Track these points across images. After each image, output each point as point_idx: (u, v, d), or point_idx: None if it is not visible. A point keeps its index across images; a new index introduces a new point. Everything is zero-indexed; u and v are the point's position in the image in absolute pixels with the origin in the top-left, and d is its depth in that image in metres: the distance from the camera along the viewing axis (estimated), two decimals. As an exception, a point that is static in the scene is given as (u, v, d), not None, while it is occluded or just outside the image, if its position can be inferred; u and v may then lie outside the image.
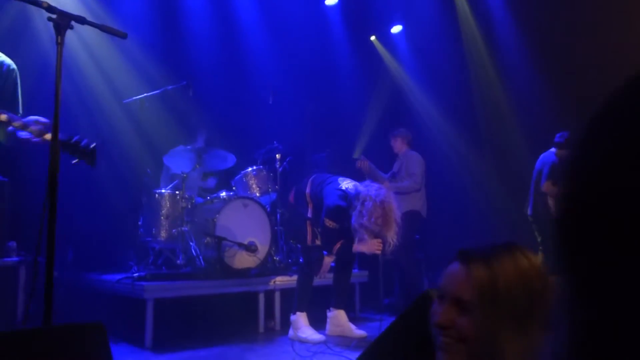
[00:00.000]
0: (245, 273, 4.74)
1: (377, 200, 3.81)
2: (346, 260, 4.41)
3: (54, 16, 1.93)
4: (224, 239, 4.57)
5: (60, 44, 1.90)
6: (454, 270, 1.10)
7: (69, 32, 1.97)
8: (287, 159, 5.53)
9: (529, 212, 5.70)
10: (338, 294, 4.44)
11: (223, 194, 5.18)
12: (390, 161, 5.93)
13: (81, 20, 2.00)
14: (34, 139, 2.27)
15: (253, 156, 5.61)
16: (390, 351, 1.89)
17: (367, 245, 4.00)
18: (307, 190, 4.40)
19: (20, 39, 4.84)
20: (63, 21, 1.92)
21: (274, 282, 4.74)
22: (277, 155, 5.43)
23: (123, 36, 2.05)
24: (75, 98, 5.10)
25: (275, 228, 5.23)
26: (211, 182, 5.72)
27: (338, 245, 4.17)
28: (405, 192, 5.47)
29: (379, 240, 3.94)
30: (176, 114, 5.71)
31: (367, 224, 3.79)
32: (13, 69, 2.95)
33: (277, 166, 5.42)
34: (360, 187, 4.02)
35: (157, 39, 6.01)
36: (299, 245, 5.07)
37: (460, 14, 7.47)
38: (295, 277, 4.67)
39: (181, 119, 5.73)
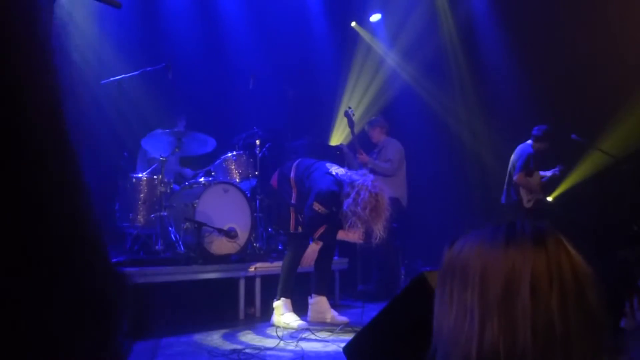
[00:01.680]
0: (225, 259, 4.69)
1: (373, 192, 3.83)
2: (328, 247, 4.40)
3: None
4: (204, 224, 4.51)
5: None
6: None
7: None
8: (267, 145, 5.50)
9: (502, 200, 5.82)
10: (319, 281, 4.44)
11: (202, 179, 5.11)
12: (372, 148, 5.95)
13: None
14: None
15: (232, 141, 5.55)
16: (386, 334, 1.90)
17: (353, 234, 4.04)
18: (292, 174, 4.36)
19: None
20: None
21: (255, 268, 4.68)
22: (256, 141, 5.39)
23: (117, 6, 1.97)
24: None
25: (255, 214, 5.18)
26: (188, 172, 5.65)
27: (321, 230, 4.16)
28: (381, 173, 5.49)
29: (362, 230, 3.98)
30: (155, 97, 5.61)
31: (361, 213, 3.80)
32: None
33: (257, 152, 5.38)
34: (355, 175, 4.01)
35: (136, 19, 5.89)
36: (281, 232, 5.05)
37: (438, 3, 7.50)
38: (275, 264, 4.65)
39: (160, 101, 5.62)
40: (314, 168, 4.26)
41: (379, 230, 3.89)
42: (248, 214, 4.90)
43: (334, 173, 4.09)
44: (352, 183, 3.93)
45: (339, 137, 7.00)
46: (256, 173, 5.34)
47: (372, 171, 4.83)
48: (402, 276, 5.71)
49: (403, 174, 5.79)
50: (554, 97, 6.17)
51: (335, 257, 5.06)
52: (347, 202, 3.86)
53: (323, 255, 4.39)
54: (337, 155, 5.48)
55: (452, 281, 0.87)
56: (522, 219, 1.04)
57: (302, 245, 4.26)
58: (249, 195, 5.10)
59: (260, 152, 5.40)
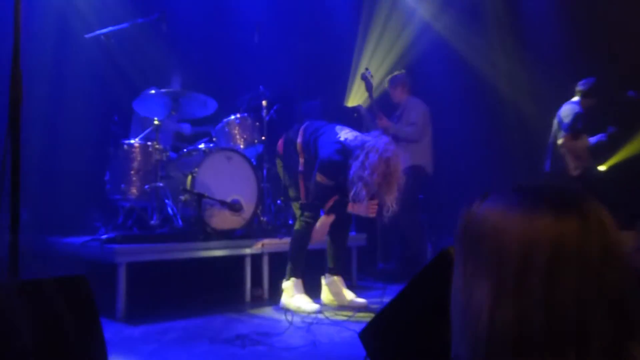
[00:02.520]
0: (229, 234, 4.70)
1: (384, 155, 3.75)
2: (342, 220, 4.38)
3: None
4: (205, 196, 4.51)
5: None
6: None
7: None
8: (275, 107, 5.45)
9: (546, 167, 5.68)
10: (334, 258, 4.44)
11: (202, 145, 5.09)
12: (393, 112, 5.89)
13: None
14: None
15: (236, 103, 5.50)
16: (406, 317, 1.89)
17: (362, 207, 3.99)
18: (299, 139, 4.35)
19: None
20: None
21: (262, 244, 4.70)
22: (263, 102, 5.34)
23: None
24: (30, 29, 4.95)
25: (262, 185, 5.18)
26: (187, 128, 5.61)
27: (331, 203, 4.17)
28: (404, 139, 5.46)
29: (375, 201, 3.94)
30: (148, 52, 5.56)
31: (368, 179, 3.75)
32: None
33: (264, 115, 5.34)
34: (367, 137, 3.95)
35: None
36: (289, 204, 5.02)
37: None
38: (285, 240, 4.65)
39: (154, 57, 5.58)
40: (321, 132, 4.23)
41: (391, 202, 3.84)
42: (254, 184, 4.90)
43: (342, 138, 4.04)
44: (362, 145, 3.87)
45: (356, 99, 6.89)
46: (263, 138, 5.31)
47: (395, 138, 4.78)
48: (429, 254, 5.66)
49: (429, 138, 5.73)
50: (607, 48, 5.94)
51: (352, 233, 5.14)
52: (355, 166, 3.81)
53: (337, 230, 4.39)
54: (355, 118, 5.43)
55: (466, 251, 0.85)
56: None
57: (312, 218, 4.24)
58: (254, 163, 5.09)
59: (267, 115, 5.36)
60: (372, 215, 4.05)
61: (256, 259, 4.71)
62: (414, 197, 5.46)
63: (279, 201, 5.47)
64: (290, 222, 5.31)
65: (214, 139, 5.26)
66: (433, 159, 5.72)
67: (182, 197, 4.64)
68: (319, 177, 4.06)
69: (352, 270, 5.36)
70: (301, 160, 4.34)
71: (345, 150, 3.96)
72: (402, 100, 5.82)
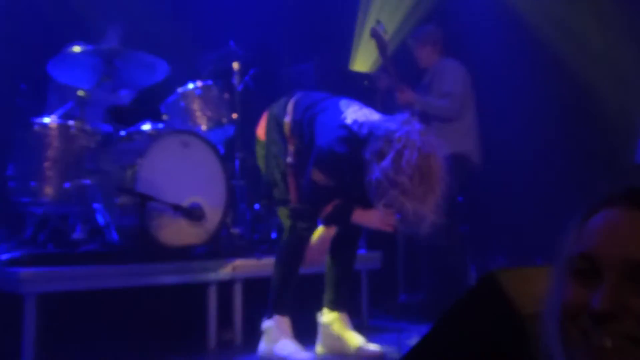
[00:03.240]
0: (185, 253, 4.66)
1: (424, 151, 3.69)
2: (348, 234, 4.35)
3: None
4: (151, 198, 4.42)
5: None
6: (618, 220, 1.10)
7: None
8: (251, 72, 5.47)
9: (636, 159, 5.76)
10: (335, 288, 4.39)
11: (148, 125, 5.02)
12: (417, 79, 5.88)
13: None
14: None
15: (196, 65, 5.56)
16: None
17: (374, 216, 4.00)
18: (287, 117, 4.30)
19: None
20: None
21: (233, 267, 4.66)
22: (234, 65, 5.37)
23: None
24: None
25: (233, 183, 5.16)
26: (124, 99, 5.61)
27: (329, 209, 4.13)
28: (437, 116, 5.49)
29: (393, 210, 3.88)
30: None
31: (407, 184, 3.65)
32: None
33: (235, 82, 5.36)
34: (391, 122, 3.86)
35: None
36: (274, 208, 4.97)
37: None
38: (265, 261, 4.62)
39: (79, 3, 5.61)
40: (319, 109, 4.17)
41: (430, 211, 3.75)
42: (221, 181, 4.86)
43: (349, 120, 3.99)
44: (387, 136, 3.77)
45: (364, 62, 6.87)
46: (234, 116, 5.31)
47: (424, 117, 4.82)
48: (471, 279, 5.67)
49: (471, 115, 5.73)
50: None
51: (362, 251, 5.16)
52: (384, 167, 3.70)
53: (340, 248, 4.35)
54: (365, 89, 5.45)
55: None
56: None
57: (306, 230, 4.19)
58: (222, 152, 5.11)
59: (240, 83, 5.39)
60: (389, 229, 4.04)
61: (224, 288, 4.68)
62: (451, 200, 5.35)
63: (257, 205, 5.46)
64: (273, 235, 5.29)
65: (165, 117, 5.25)
66: (479, 145, 5.72)
67: (119, 201, 4.58)
68: (315, 175, 4.00)
69: (361, 304, 5.35)
70: (291, 147, 4.27)
71: (354, 138, 3.91)
72: (432, 64, 5.83)
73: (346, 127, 3.96)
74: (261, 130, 4.47)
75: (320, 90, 4.53)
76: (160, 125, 5.08)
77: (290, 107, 4.31)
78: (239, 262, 4.71)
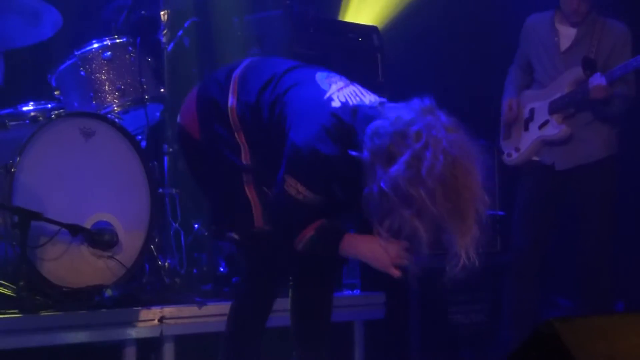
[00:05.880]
0: (89, 299, 4.34)
1: (452, 152, 3.19)
2: (323, 270, 3.89)
3: None
4: (36, 216, 4.03)
5: None
6: None
7: None
8: (187, 22, 5.25)
9: None
10: (308, 347, 3.92)
11: (30, 106, 4.68)
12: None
13: None
14: None
15: (102, 14, 5.29)
16: None
17: (374, 247, 3.49)
18: (231, 101, 3.64)
19: None
20: None
21: (160, 319, 4.28)
22: (162, 14, 5.00)
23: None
24: None
25: (161, 191, 4.85)
26: None
27: (310, 234, 3.51)
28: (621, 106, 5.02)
29: (404, 243, 3.42)
30: None
31: (428, 203, 3.22)
32: None
33: (163, 39, 5.03)
34: (402, 109, 3.32)
35: None
36: (228, 235, 4.35)
37: None
38: (210, 309, 4.43)
39: None
40: (288, 85, 3.58)
41: (466, 246, 3.25)
42: (143, 189, 4.53)
43: (336, 103, 3.44)
44: (399, 130, 3.24)
45: (360, 8, 6.43)
46: (161, 91, 4.95)
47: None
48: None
49: None
50: None
51: (355, 292, 5.16)
52: (393, 174, 3.18)
53: (315, 290, 3.93)
54: (359, 50, 5.21)
55: None
56: None
57: (271, 266, 3.74)
58: (144, 144, 4.92)
59: (170, 42, 5.05)
60: (392, 272, 3.46)
61: (148, 349, 4.37)
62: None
63: (196, 225, 5.09)
64: (221, 269, 4.94)
65: (57, 93, 4.87)
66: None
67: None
68: (289, 184, 3.44)
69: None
70: (241, 141, 3.63)
71: (345, 131, 3.39)
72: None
73: (334, 114, 3.41)
74: (192, 125, 3.76)
75: (289, 53, 4.54)
76: (49, 105, 4.72)
77: (234, 81, 3.67)
78: (170, 311, 4.32)
